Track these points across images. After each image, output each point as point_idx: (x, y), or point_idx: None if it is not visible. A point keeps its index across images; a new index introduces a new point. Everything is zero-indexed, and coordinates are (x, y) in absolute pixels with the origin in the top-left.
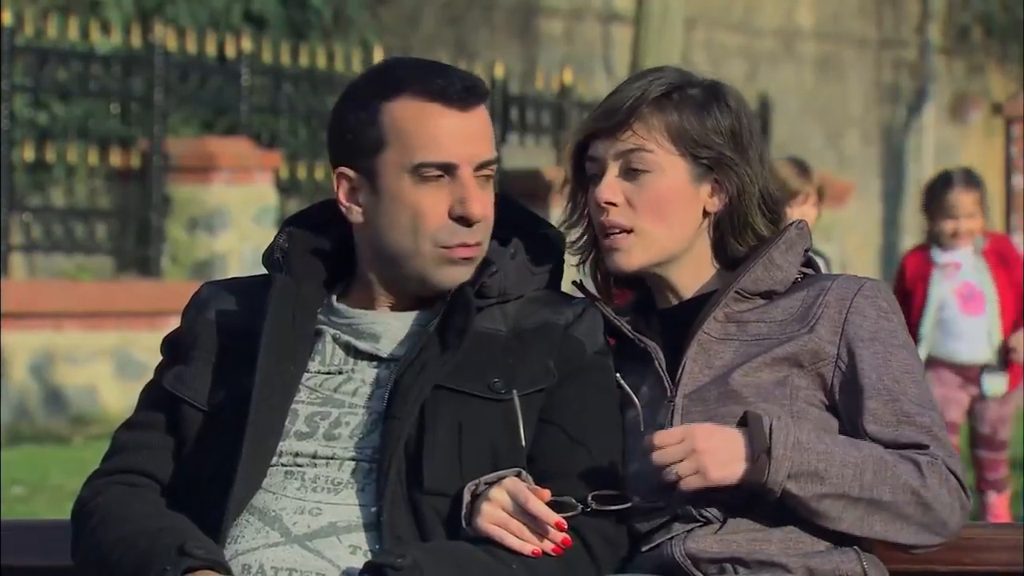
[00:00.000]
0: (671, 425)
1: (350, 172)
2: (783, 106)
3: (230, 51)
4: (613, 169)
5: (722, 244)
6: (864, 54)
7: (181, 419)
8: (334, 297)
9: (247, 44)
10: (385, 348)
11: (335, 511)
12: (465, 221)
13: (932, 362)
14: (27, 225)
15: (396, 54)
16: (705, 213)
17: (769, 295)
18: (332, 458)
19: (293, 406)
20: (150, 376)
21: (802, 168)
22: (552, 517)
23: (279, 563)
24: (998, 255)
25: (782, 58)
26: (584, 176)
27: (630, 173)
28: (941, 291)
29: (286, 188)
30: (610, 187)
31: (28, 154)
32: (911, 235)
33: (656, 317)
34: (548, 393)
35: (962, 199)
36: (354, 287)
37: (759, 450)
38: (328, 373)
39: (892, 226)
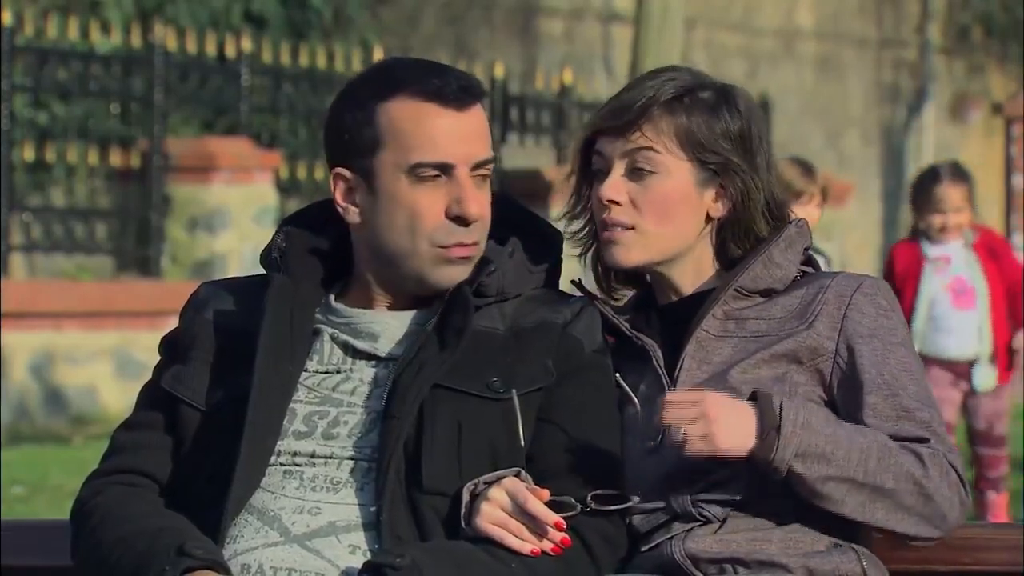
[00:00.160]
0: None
1: (347, 172)
2: (783, 106)
3: (230, 51)
4: (619, 168)
5: (724, 247)
6: (864, 54)
7: (179, 419)
8: (332, 296)
9: (247, 44)
10: (383, 347)
11: (334, 510)
12: (462, 221)
13: (923, 360)
14: (27, 225)
15: (396, 54)
16: (708, 218)
17: (768, 293)
18: (331, 457)
19: (291, 405)
20: (150, 376)
21: (806, 168)
22: (551, 517)
23: (278, 563)
24: (988, 249)
25: (782, 58)
26: (590, 170)
27: (635, 173)
28: (932, 286)
29: (286, 188)
30: (615, 186)
31: (28, 154)
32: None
33: (655, 315)
34: (547, 392)
35: (950, 193)
36: (352, 286)
37: (769, 427)
38: (326, 372)
39: (892, 226)
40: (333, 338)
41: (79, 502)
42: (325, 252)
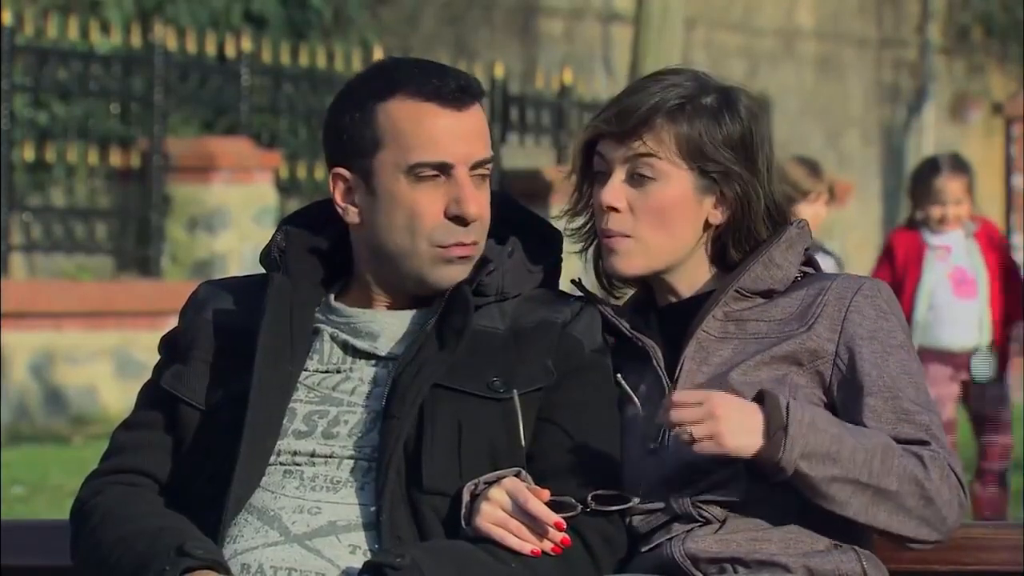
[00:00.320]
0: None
1: (346, 172)
2: (783, 106)
3: (230, 51)
4: (619, 173)
5: (723, 251)
6: (864, 54)
7: (179, 418)
8: (332, 296)
9: (247, 44)
10: (383, 347)
11: (334, 510)
12: (461, 220)
13: (923, 354)
14: (27, 225)
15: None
16: (707, 224)
17: (769, 294)
18: (331, 457)
19: (291, 405)
20: (150, 376)
21: (812, 167)
22: (551, 517)
23: (278, 562)
24: (988, 239)
25: (782, 58)
26: (591, 170)
27: (636, 179)
28: (934, 275)
29: (286, 188)
30: (615, 192)
31: (28, 154)
32: None
33: (655, 315)
34: (547, 392)
35: (950, 185)
36: (352, 286)
37: (776, 427)
38: (326, 372)
39: (892, 225)
40: (333, 337)
41: (79, 502)
42: (325, 252)
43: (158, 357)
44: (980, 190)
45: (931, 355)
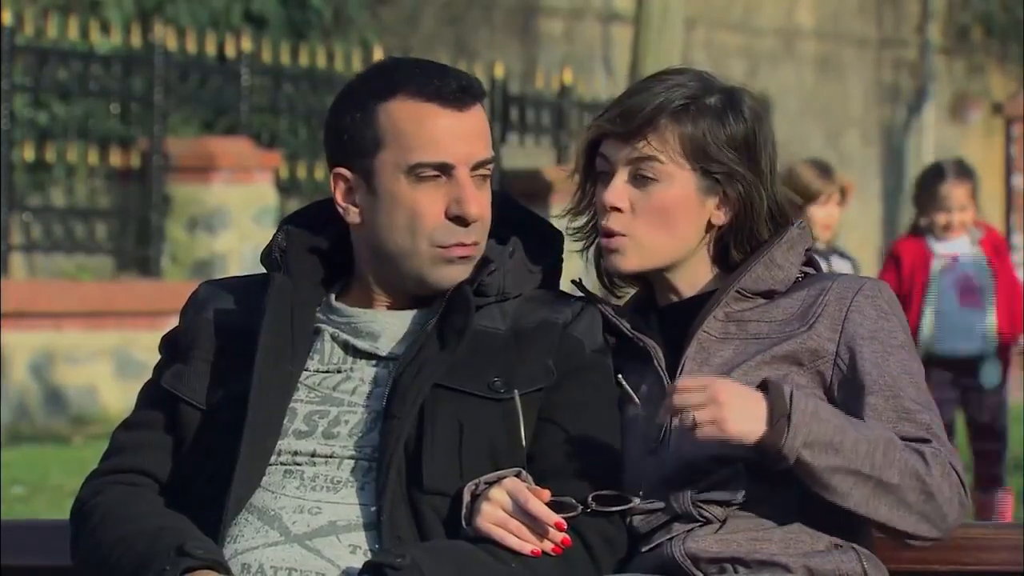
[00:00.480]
0: (671, 424)
1: (347, 172)
2: (783, 106)
3: (230, 51)
4: (622, 174)
5: (725, 252)
6: (864, 54)
7: (180, 418)
8: (332, 296)
9: (247, 44)
10: (384, 347)
11: (334, 510)
12: (462, 221)
13: (926, 360)
14: (27, 225)
15: (396, 54)
16: (710, 225)
17: (770, 294)
18: (331, 457)
19: (292, 405)
20: (150, 376)
21: (823, 169)
22: (552, 517)
23: (278, 562)
24: (993, 246)
25: (782, 58)
26: (594, 169)
27: (638, 179)
28: (941, 284)
29: (286, 188)
30: (617, 192)
31: (28, 154)
32: None
33: (655, 315)
34: (547, 392)
35: (955, 192)
36: (352, 286)
37: (779, 414)
38: (327, 372)
39: (892, 226)
40: (334, 337)
41: (79, 502)
42: (325, 252)
43: (158, 357)
44: (980, 191)
45: (935, 361)
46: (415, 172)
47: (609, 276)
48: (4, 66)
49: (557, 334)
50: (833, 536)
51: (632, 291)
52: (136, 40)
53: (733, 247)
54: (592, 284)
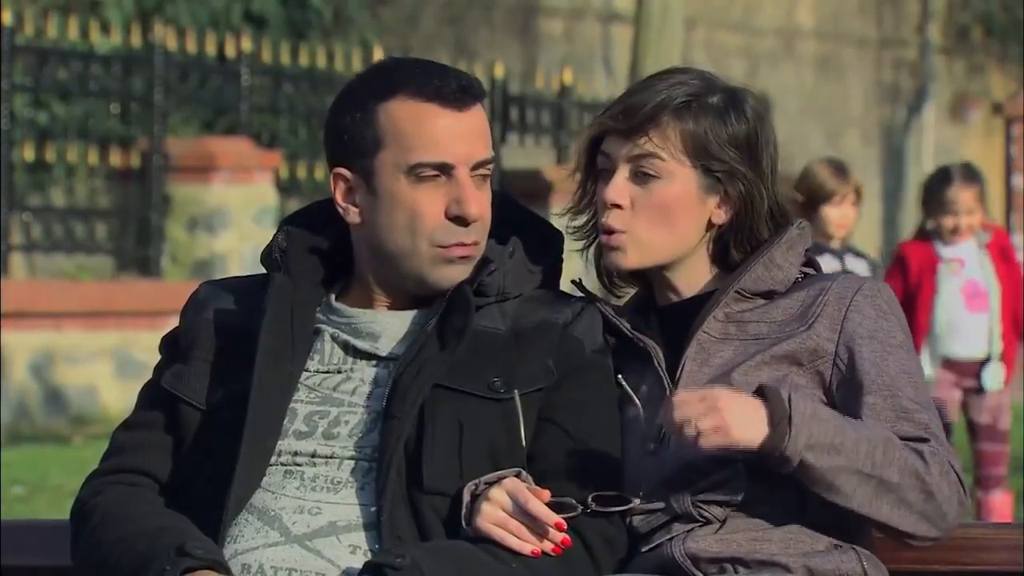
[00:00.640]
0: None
1: (347, 172)
2: (783, 106)
3: (230, 51)
4: (623, 171)
5: (725, 251)
6: (864, 54)
7: (180, 418)
8: (332, 296)
9: (247, 44)
10: (384, 347)
11: (334, 510)
12: (462, 221)
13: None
14: (27, 225)
15: (396, 54)
16: (710, 224)
17: (769, 295)
18: (331, 457)
19: (292, 405)
20: (150, 376)
21: (839, 169)
22: (552, 517)
23: (279, 563)
24: (1000, 249)
25: (782, 58)
26: (595, 167)
27: (640, 176)
28: (948, 288)
29: (286, 188)
30: (618, 189)
31: (28, 154)
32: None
33: (655, 315)
34: (547, 392)
35: (962, 195)
36: (352, 286)
37: (779, 418)
38: (327, 372)
39: (892, 226)
40: (334, 338)
41: (79, 502)
42: (325, 252)
43: (158, 357)
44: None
45: (938, 363)
46: (415, 172)
47: (609, 275)
48: (4, 66)
49: (557, 334)
50: (833, 536)
51: (632, 291)
52: (136, 40)
53: (733, 246)
54: (592, 284)
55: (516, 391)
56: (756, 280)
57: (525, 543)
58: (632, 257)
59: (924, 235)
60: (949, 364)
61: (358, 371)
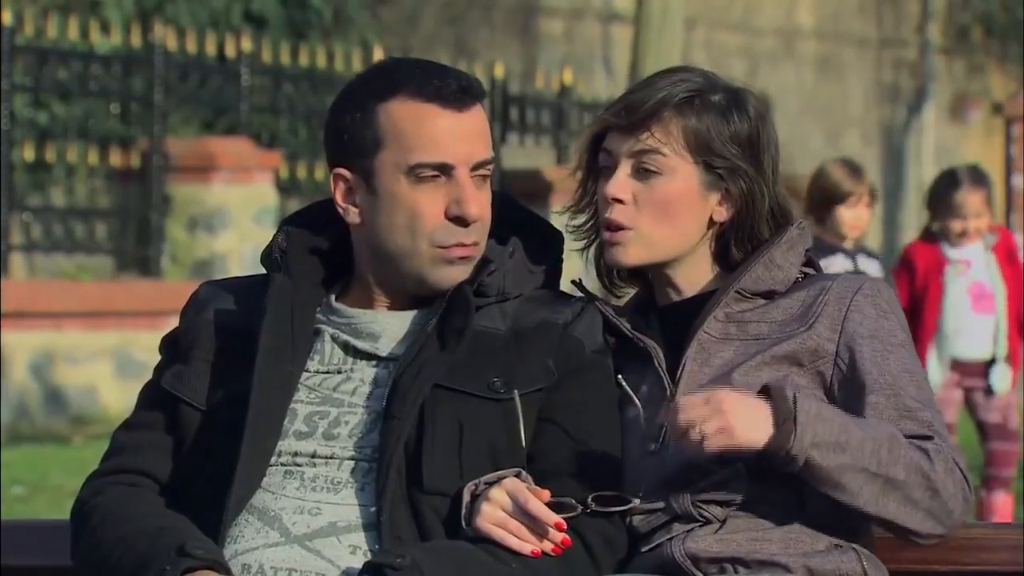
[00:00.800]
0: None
1: (347, 173)
2: (783, 106)
3: (230, 51)
4: (625, 167)
5: (726, 250)
6: (864, 54)
7: (180, 419)
8: (333, 296)
9: (247, 44)
10: (384, 347)
11: (334, 511)
12: (462, 221)
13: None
14: (27, 225)
15: (396, 54)
16: (711, 222)
17: (770, 295)
18: (331, 457)
19: (292, 405)
20: (150, 376)
21: (854, 169)
22: (552, 517)
23: (279, 563)
24: (1006, 251)
25: (782, 58)
26: (596, 165)
27: (641, 172)
28: (955, 289)
29: (286, 188)
30: (620, 184)
31: (28, 154)
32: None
33: (655, 315)
34: (547, 392)
35: (970, 199)
36: (352, 286)
37: (784, 417)
38: (327, 372)
39: (892, 226)
40: (334, 338)
41: (79, 502)
42: (325, 252)
43: (158, 357)
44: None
45: (946, 364)
46: (415, 172)
47: (609, 274)
48: (4, 66)
49: (557, 334)
50: (833, 536)
51: (632, 291)
52: (136, 40)
53: (734, 245)
54: (592, 284)
55: (516, 391)
56: (756, 280)
57: (525, 543)
58: (633, 253)
59: (930, 236)
60: (954, 364)
61: (358, 371)
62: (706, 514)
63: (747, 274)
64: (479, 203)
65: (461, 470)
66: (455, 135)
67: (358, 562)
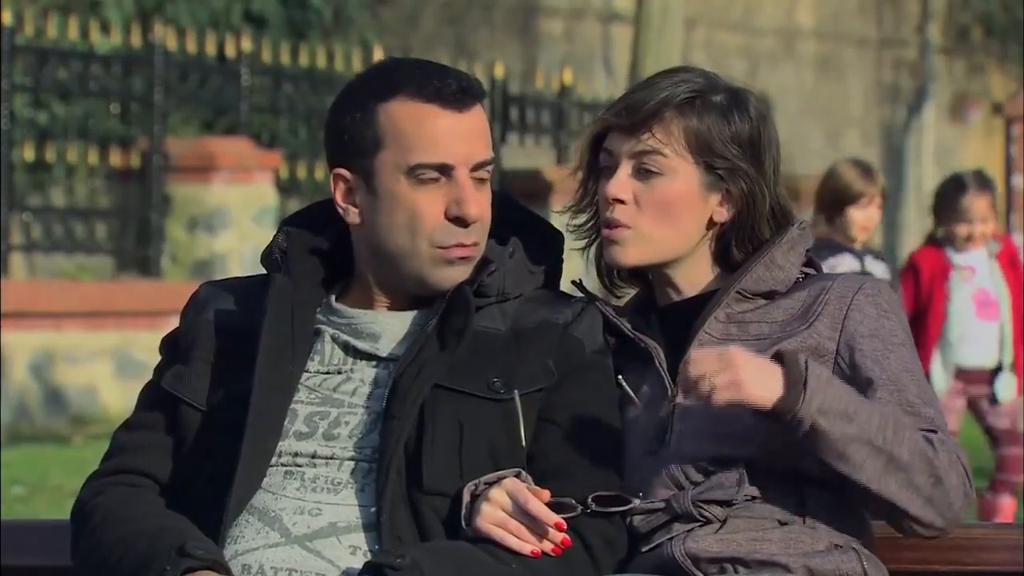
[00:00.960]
0: (672, 424)
1: (347, 173)
2: (783, 106)
3: (230, 51)
4: (626, 167)
5: (727, 250)
6: (864, 54)
7: (180, 419)
8: (333, 297)
9: (247, 44)
10: (384, 348)
11: (335, 511)
12: (461, 222)
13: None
14: (27, 225)
15: (396, 54)
16: (712, 222)
17: (771, 295)
18: (331, 458)
19: (292, 406)
20: (150, 376)
21: (866, 170)
22: (551, 517)
23: (279, 563)
24: (1009, 257)
25: (782, 58)
26: (597, 165)
27: (642, 173)
28: (960, 296)
29: (286, 188)
30: (621, 184)
31: (28, 154)
32: (911, 235)
33: (656, 315)
34: (547, 392)
35: (977, 204)
36: (352, 287)
37: (794, 380)
38: (327, 373)
39: (892, 226)
40: (334, 339)
41: (80, 502)
42: (326, 252)
43: (158, 357)
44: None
45: (951, 371)
46: (415, 173)
47: (609, 275)
48: (4, 66)
49: (557, 334)
50: (833, 536)
51: (632, 292)
52: (136, 40)
53: (734, 245)
54: (592, 284)
55: (516, 391)
56: (757, 280)
57: (525, 543)
58: (633, 253)
59: (935, 242)
60: (958, 373)
61: (358, 372)
62: (706, 514)
63: (748, 274)
64: (479, 203)
65: (461, 470)
66: (455, 135)
67: (358, 562)
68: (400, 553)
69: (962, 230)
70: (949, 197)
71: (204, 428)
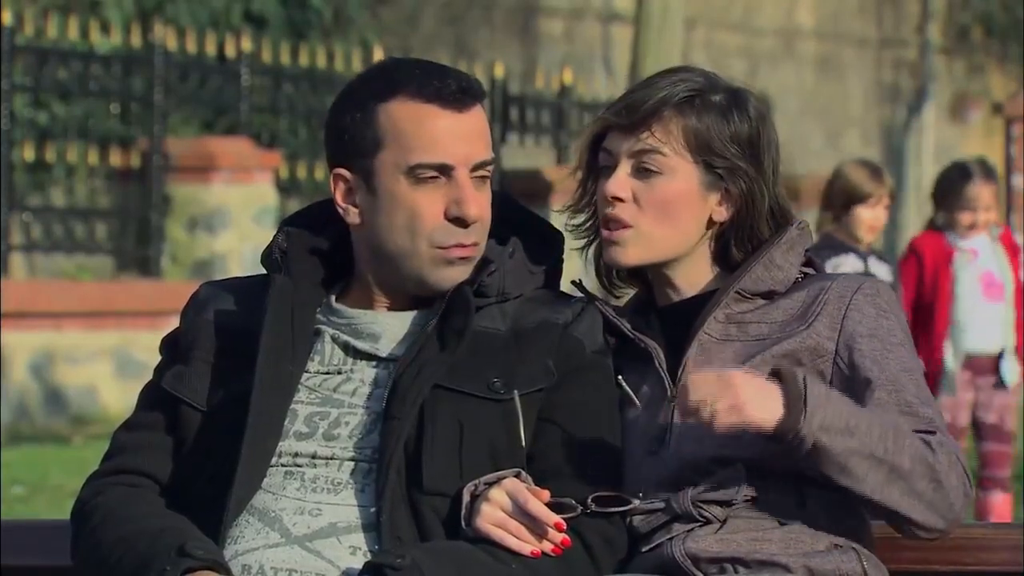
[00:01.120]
0: (672, 425)
1: (347, 173)
2: (783, 106)
3: (230, 51)
4: (625, 166)
5: (726, 250)
6: (864, 54)
7: (180, 419)
8: (333, 297)
9: (247, 44)
10: (384, 348)
11: (335, 511)
12: (461, 222)
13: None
14: (27, 225)
15: (396, 54)
16: (711, 222)
17: (770, 295)
18: (332, 458)
19: (292, 406)
20: (150, 376)
21: (874, 171)
22: (551, 518)
23: (279, 564)
24: (1009, 244)
25: (782, 58)
26: (596, 164)
27: (641, 172)
28: (966, 277)
29: (286, 188)
30: (620, 183)
31: (28, 154)
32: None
33: (655, 315)
34: (547, 392)
35: (982, 192)
36: (352, 287)
37: (794, 398)
38: (327, 373)
39: (892, 226)
40: (334, 339)
41: (80, 502)
42: (325, 252)
43: (158, 357)
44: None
45: (960, 358)
46: (415, 173)
47: (608, 275)
48: (4, 66)
49: (557, 334)
50: (833, 536)
51: (631, 291)
52: (136, 40)
53: (734, 245)
54: (592, 284)
55: (516, 391)
56: (756, 281)
57: (525, 543)
58: (633, 253)
59: (935, 228)
60: (966, 362)
61: (358, 372)
62: (706, 514)
63: (747, 275)
64: (479, 204)
65: (461, 470)
66: (455, 135)
67: (358, 563)
68: (400, 553)
69: (966, 218)
70: (954, 184)
71: (204, 428)
